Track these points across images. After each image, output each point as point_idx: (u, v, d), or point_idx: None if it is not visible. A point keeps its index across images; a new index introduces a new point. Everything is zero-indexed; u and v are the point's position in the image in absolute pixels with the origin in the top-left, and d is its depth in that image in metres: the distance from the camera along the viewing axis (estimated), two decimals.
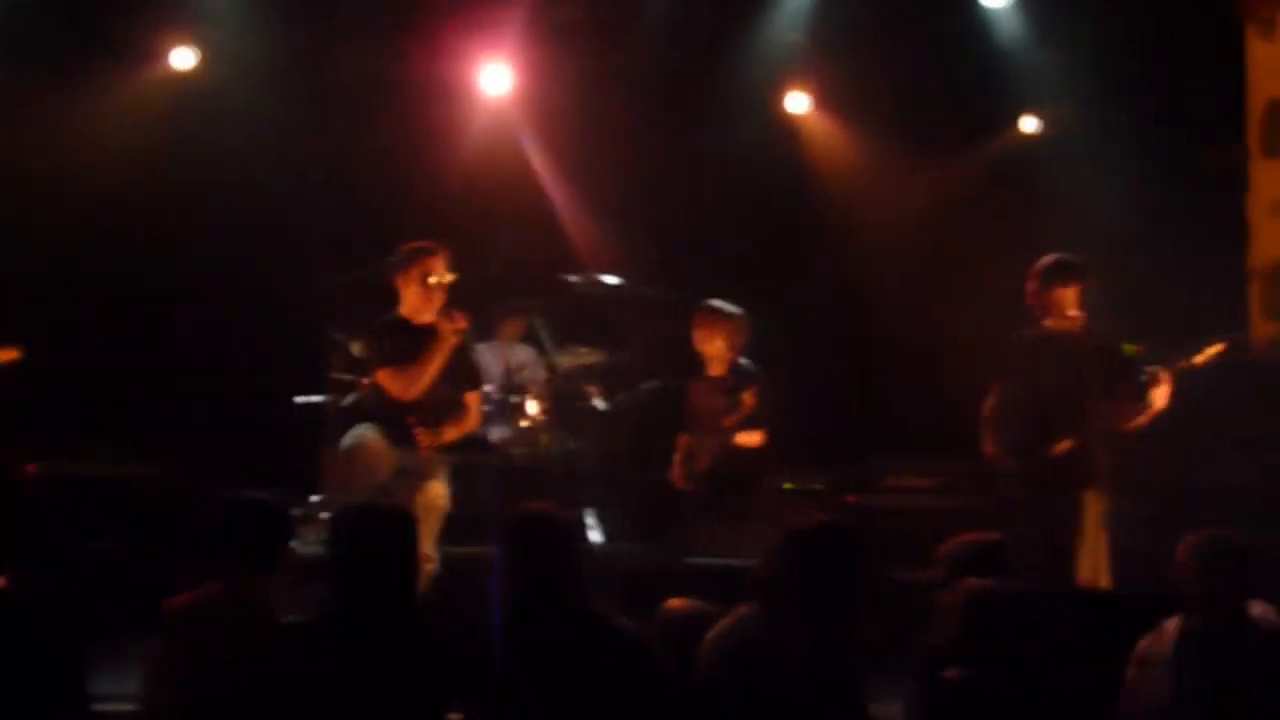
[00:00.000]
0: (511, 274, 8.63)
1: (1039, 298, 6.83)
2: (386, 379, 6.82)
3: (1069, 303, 6.76)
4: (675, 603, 4.51)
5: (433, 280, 6.86)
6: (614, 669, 4.01)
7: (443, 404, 6.85)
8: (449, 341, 6.78)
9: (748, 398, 7.06)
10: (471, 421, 6.99)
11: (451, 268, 6.95)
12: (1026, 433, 6.80)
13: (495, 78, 9.03)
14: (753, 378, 7.24)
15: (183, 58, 8.99)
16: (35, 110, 8.65)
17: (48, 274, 8.73)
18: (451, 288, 6.98)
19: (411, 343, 6.85)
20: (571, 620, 4.05)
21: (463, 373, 6.95)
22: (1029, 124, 9.57)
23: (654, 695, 4.09)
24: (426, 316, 6.91)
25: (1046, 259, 6.86)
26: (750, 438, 7.13)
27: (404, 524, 4.23)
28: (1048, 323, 6.83)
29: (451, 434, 6.88)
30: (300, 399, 8.39)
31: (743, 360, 7.37)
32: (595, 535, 7.92)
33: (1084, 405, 6.67)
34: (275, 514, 4.54)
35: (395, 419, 6.77)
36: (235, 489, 7.66)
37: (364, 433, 6.74)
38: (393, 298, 7.08)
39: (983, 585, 4.27)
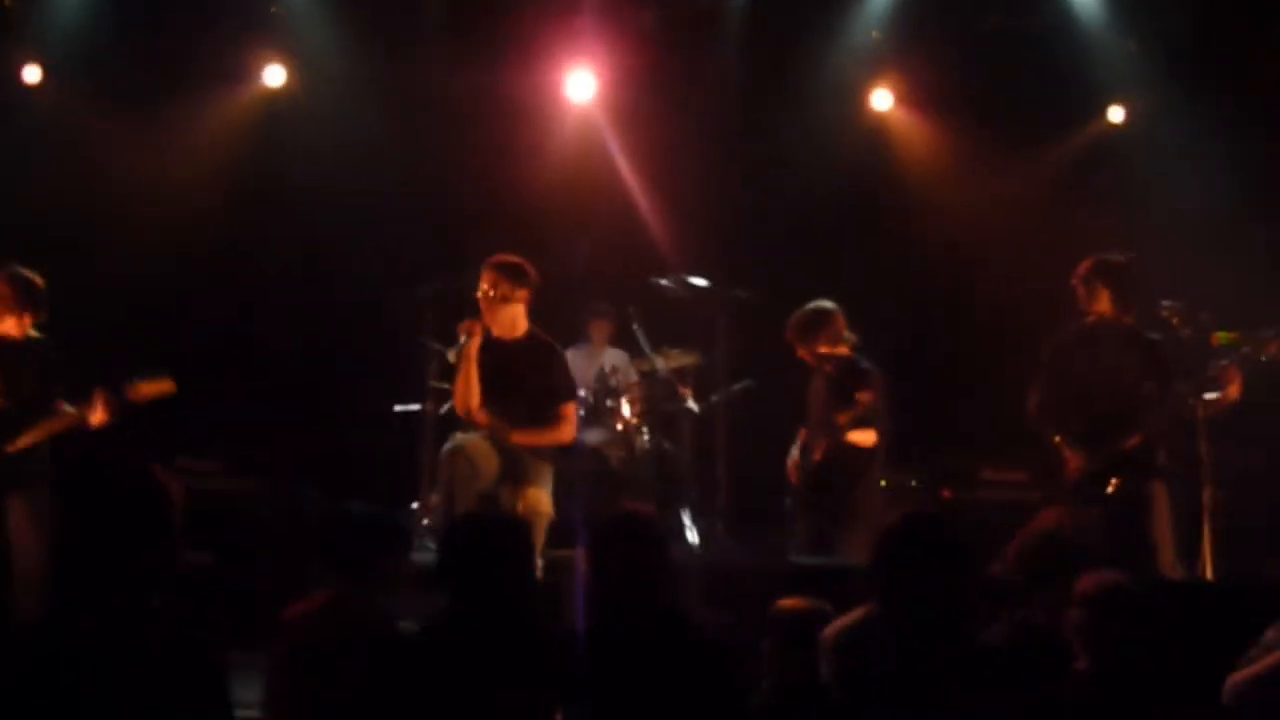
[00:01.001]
0: (601, 277, 8.71)
1: (1083, 293, 6.84)
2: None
3: (1106, 298, 6.75)
4: (789, 601, 4.55)
5: (479, 294, 6.88)
6: (695, 670, 4.03)
7: (537, 414, 6.91)
8: (468, 349, 6.82)
9: (863, 396, 6.98)
10: (568, 431, 7.00)
11: (539, 275, 6.96)
12: (1079, 425, 6.81)
13: (580, 84, 9.13)
14: (868, 375, 7.18)
15: (274, 75, 9.20)
16: (134, 130, 8.85)
17: (148, 288, 8.93)
18: (542, 292, 7.01)
19: (499, 361, 6.91)
20: (656, 620, 4.10)
21: (556, 384, 6.96)
22: (1116, 114, 9.50)
23: (734, 696, 4.13)
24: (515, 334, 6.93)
25: (1088, 260, 6.85)
26: (863, 436, 7.11)
27: (520, 530, 4.31)
28: (1089, 319, 6.83)
29: (545, 439, 6.92)
30: (399, 407, 8.53)
31: (860, 358, 7.29)
32: (691, 536, 7.97)
33: (1132, 398, 6.65)
34: (394, 526, 4.61)
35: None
36: (348, 500, 7.90)
37: (465, 439, 6.82)
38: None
39: (1102, 580, 4.27)
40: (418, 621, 4.36)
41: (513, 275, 6.83)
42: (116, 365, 6.70)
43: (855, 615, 4.08)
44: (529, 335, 6.93)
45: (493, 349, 6.87)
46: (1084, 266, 6.82)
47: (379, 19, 8.99)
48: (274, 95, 9.28)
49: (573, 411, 7.02)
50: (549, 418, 6.87)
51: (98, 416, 6.43)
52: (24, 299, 6.50)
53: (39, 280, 6.55)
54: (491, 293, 6.79)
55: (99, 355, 6.87)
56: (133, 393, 6.47)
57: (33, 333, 6.58)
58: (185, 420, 8.48)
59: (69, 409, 6.48)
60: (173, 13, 8.69)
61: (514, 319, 6.86)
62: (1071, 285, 6.84)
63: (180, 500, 3.81)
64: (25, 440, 6.45)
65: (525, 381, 6.83)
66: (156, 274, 8.96)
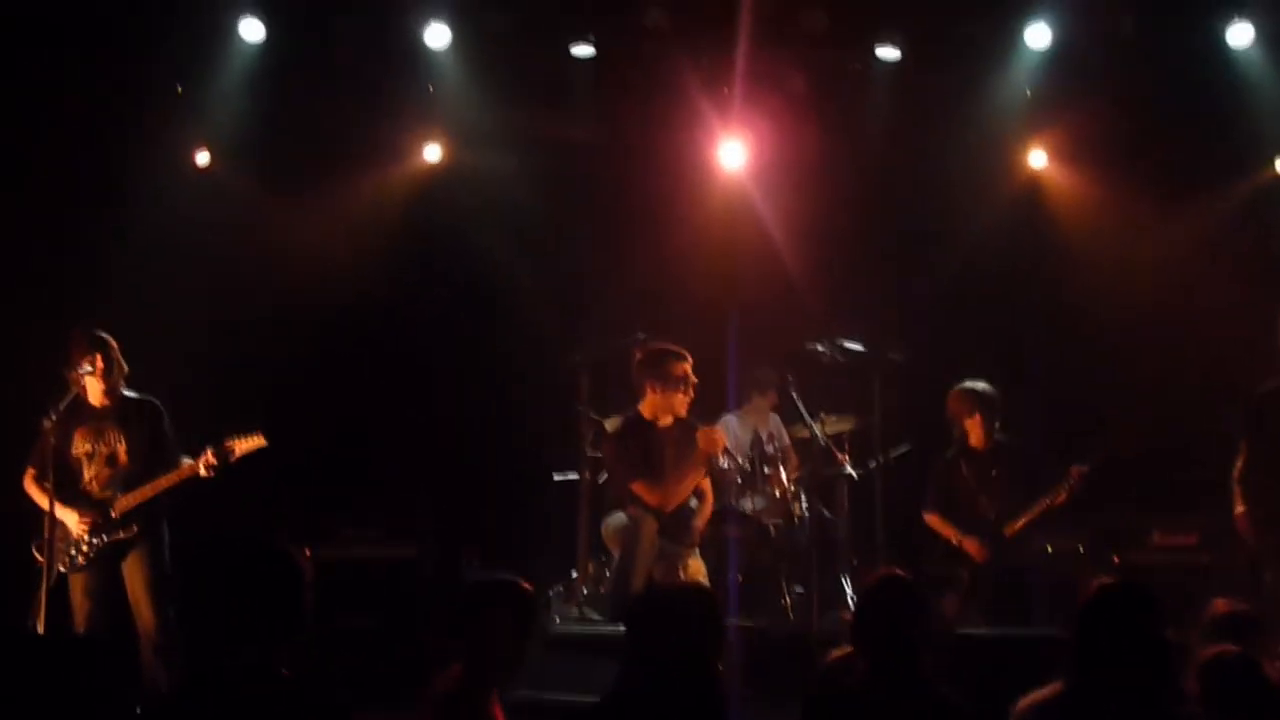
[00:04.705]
0: (756, 345, 8.72)
1: None
2: (642, 490, 7.00)
3: None
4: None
5: (678, 386, 7.05)
6: None
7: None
8: (709, 455, 6.96)
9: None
10: (710, 503, 7.19)
11: (694, 367, 7.13)
12: (1272, 493, 6.64)
13: (731, 152, 9.19)
14: (1014, 453, 7.21)
15: (431, 152, 9.43)
16: (297, 208, 9.13)
17: (310, 359, 9.16)
18: (702, 361, 7.14)
19: (656, 447, 7.04)
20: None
21: (702, 463, 7.20)
22: None
23: None
24: (668, 419, 7.10)
25: None
26: (1016, 526, 7.24)
27: (712, 599, 4.30)
28: None
29: (700, 520, 7.06)
30: (558, 475, 8.62)
31: (1000, 436, 7.39)
32: (852, 603, 7.89)
33: None
34: (518, 593, 4.57)
35: None
36: (486, 570, 8.02)
37: (631, 515, 6.93)
38: (635, 389, 7.26)
39: (1224, 651, 4.17)
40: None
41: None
42: (275, 433, 6.94)
43: (1050, 690, 3.98)
44: (678, 420, 7.07)
45: (655, 436, 7.06)
46: None
47: (530, 91, 9.14)
48: (431, 171, 9.50)
49: (709, 485, 7.32)
50: (700, 495, 7.09)
51: (202, 471, 6.68)
52: (117, 367, 6.78)
53: (111, 341, 6.81)
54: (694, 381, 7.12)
55: (264, 422, 7.02)
56: (228, 448, 6.71)
57: (129, 393, 6.86)
58: (350, 488, 8.76)
59: (180, 465, 6.72)
60: (332, 94, 8.93)
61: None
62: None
63: (309, 570, 3.92)
64: (133, 498, 6.71)
65: (682, 463, 6.99)
66: (321, 347, 9.21)
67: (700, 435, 7.04)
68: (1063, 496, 7.50)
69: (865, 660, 4.17)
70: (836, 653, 4.42)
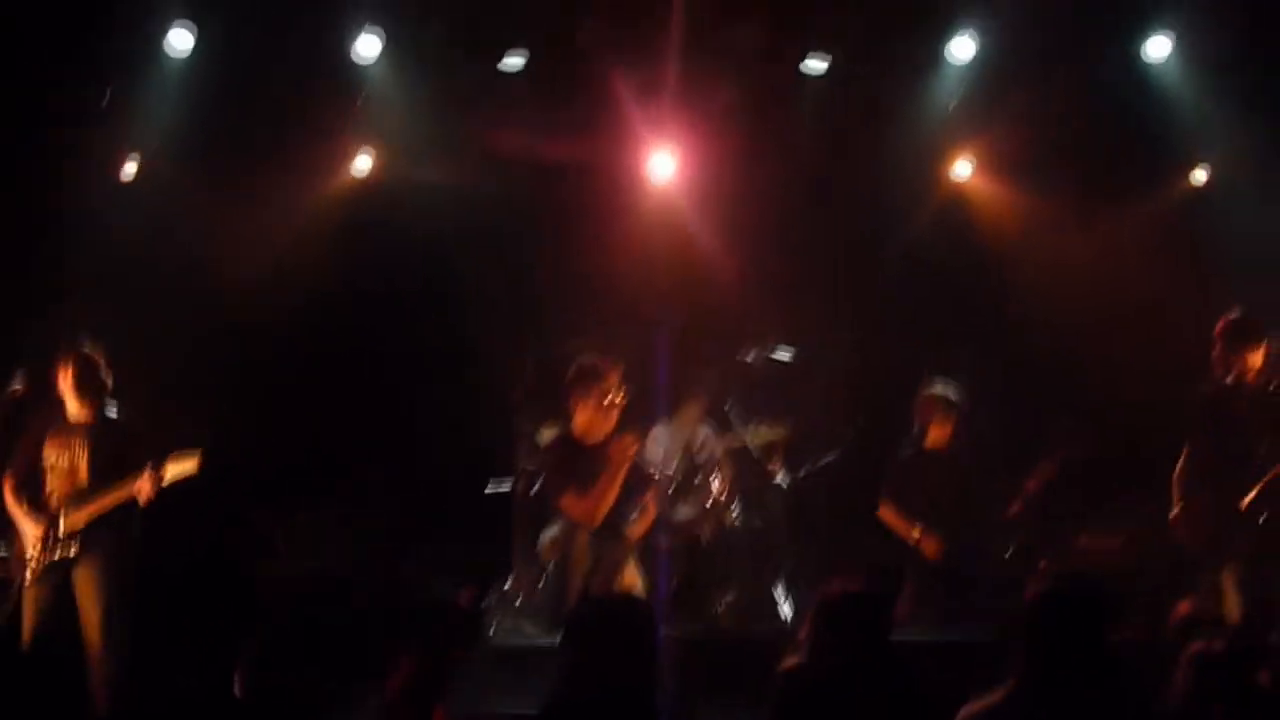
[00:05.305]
0: (688, 355, 8.78)
1: (1223, 356, 6.83)
2: (570, 505, 7.03)
3: (1253, 361, 6.76)
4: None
5: (607, 402, 7.08)
6: None
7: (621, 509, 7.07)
8: (623, 466, 6.98)
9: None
10: (651, 515, 7.24)
11: (626, 376, 7.16)
12: (1211, 493, 6.80)
13: (661, 164, 9.26)
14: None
15: (362, 162, 9.40)
16: (228, 215, 9.05)
17: (247, 371, 9.11)
18: (632, 369, 7.18)
19: (585, 463, 7.07)
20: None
21: (636, 479, 7.22)
22: (1199, 176, 9.49)
23: None
24: (598, 436, 7.13)
25: (1230, 317, 6.86)
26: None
27: (645, 609, 4.35)
28: (1228, 380, 6.83)
29: (637, 530, 7.10)
30: (490, 488, 8.62)
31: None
32: (786, 610, 7.97)
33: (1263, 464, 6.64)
34: (466, 613, 4.65)
35: None
36: (427, 582, 8.02)
37: (564, 528, 6.96)
38: (566, 410, 7.30)
39: (1209, 648, 4.25)
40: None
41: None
42: (205, 441, 6.92)
43: (995, 695, 4.03)
44: (607, 436, 7.15)
45: (585, 453, 7.11)
46: (1227, 323, 6.86)
47: (462, 101, 9.14)
48: (364, 182, 9.49)
49: (654, 496, 7.30)
50: (642, 506, 7.18)
51: (144, 492, 6.67)
52: (90, 383, 6.80)
53: (103, 362, 6.85)
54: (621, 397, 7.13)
55: (197, 433, 7.00)
56: (162, 470, 6.71)
57: (109, 412, 6.86)
58: (283, 501, 8.72)
59: (124, 485, 6.70)
60: (264, 104, 8.89)
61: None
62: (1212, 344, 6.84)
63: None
64: (80, 516, 6.69)
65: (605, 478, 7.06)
66: (252, 360, 9.14)
67: (613, 445, 7.07)
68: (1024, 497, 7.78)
69: (832, 666, 4.20)
70: (789, 662, 4.47)
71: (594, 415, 7.15)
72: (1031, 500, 8.12)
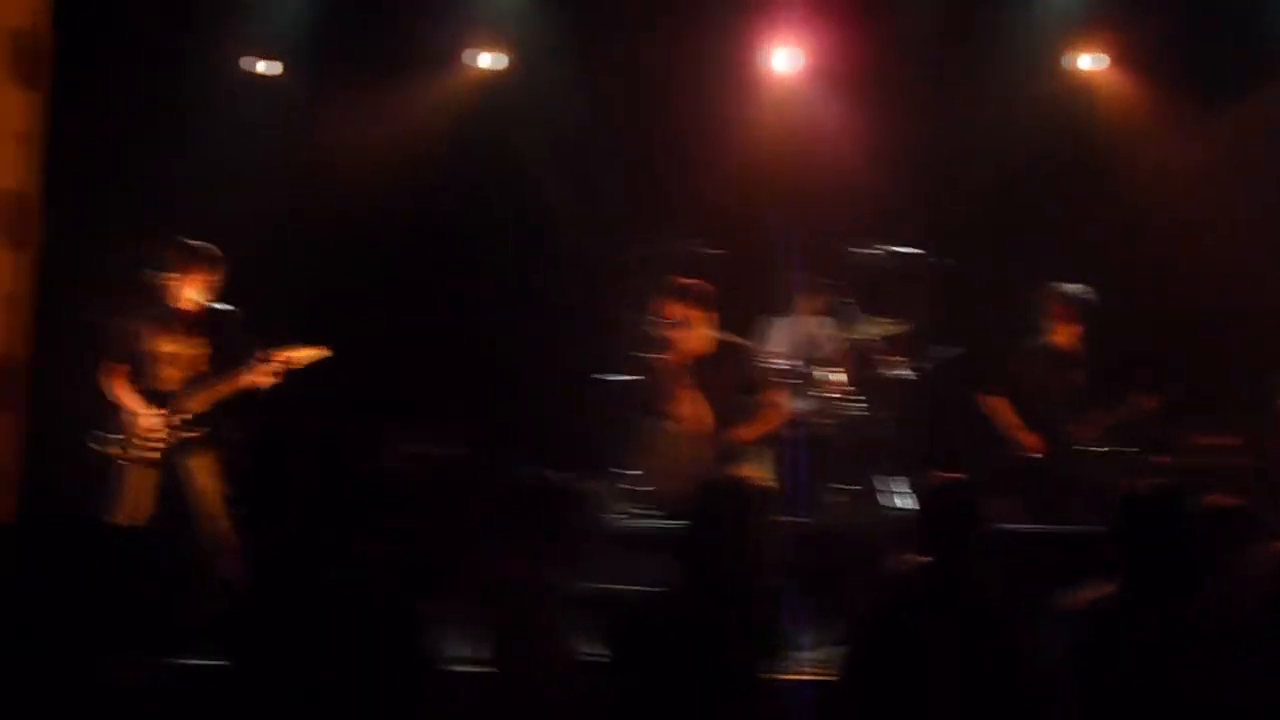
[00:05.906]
0: (807, 249, 8.78)
1: None
2: (680, 410, 7.12)
3: None
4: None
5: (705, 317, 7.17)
6: None
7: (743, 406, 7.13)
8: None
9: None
10: (776, 413, 7.26)
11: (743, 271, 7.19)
12: None
13: (784, 58, 9.27)
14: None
15: (483, 59, 9.52)
16: (348, 111, 9.26)
17: (357, 266, 9.35)
18: (752, 264, 7.20)
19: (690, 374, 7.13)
20: None
21: (757, 376, 7.28)
22: None
23: None
24: (700, 345, 7.18)
25: None
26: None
27: (761, 495, 4.46)
28: None
29: (763, 427, 7.17)
30: (599, 376, 8.71)
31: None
32: (908, 502, 8.01)
33: None
34: (569, 494, 4.75)
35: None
36: (531, 468, 8.14)
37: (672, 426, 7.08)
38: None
39: None
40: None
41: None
42: (331, 339, 7.10)
43: (1101, 589, 4.11)
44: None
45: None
46: None
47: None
48: (485, 77, 9.60)
49: (779, 396, 7.34)
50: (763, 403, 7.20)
51: (261, 380, 6.88)
52: (207, 274, 7.02)
53: (208, 250, 7.05)
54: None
55: (316, 328, 7.18)
56: (288, 358, 6.91)
57: (216, 304, 7.08)
58: (400, 395, 8.94)
59: (243, 373, 6.91)
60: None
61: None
62: None
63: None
64: (203, 400, 6.94)
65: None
66: (365, 252, 9.38)
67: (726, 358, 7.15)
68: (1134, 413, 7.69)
69: (924, 561, 4.28)
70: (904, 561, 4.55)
71: (695, 326, 7.18)
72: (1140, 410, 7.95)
